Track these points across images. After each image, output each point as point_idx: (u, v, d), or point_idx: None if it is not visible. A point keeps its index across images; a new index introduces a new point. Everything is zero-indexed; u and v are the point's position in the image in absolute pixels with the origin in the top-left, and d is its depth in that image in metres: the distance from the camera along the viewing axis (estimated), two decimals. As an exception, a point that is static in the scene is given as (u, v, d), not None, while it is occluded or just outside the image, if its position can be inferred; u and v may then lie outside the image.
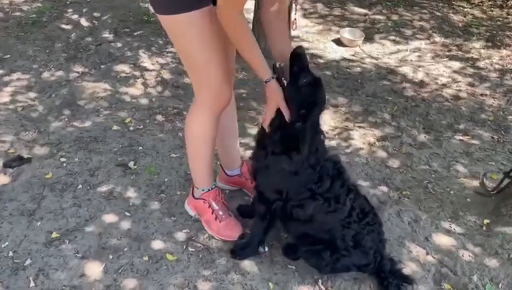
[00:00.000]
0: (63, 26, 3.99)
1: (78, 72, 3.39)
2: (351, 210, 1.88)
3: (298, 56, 1.77)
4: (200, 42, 1.76)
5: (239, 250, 2.07)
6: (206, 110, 1.94)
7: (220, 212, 2.15)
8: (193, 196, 2.22)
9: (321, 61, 3.86)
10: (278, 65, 1.80)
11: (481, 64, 4.03)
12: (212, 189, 2.18)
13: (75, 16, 4.13)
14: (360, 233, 1.88)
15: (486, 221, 2.34)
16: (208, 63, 1.81)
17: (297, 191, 1.86)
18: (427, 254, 2.16)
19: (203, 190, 2.17)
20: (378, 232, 1.95)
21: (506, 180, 2.38)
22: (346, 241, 1.88)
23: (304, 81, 1.74)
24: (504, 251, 2.20)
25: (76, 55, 3.60)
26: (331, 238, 1.89)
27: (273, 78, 1.77)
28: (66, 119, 2.89)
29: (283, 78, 1.79)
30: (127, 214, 2.25)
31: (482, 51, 4.26)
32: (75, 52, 3.65)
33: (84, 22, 4.08)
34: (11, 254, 2.01)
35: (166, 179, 2.49)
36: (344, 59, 3.95)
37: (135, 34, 3.99)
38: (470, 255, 2.17)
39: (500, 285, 2.05)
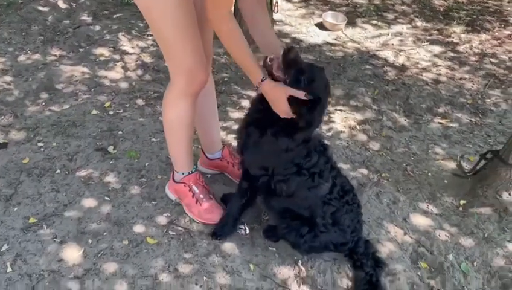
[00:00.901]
0: (40, 8, 3.88)
1: (55, 56, 3.32)
2: (332, 186, 1.91)
3: (293, 62, 1.74)
4: (172, 19, 1.72)
5: (218, 231, 2.08)
6: (181, 93, 1.92)
7: (201, 196, 2.15)
8: (173, 180, 2.21)
9: (303, 45, 3.85)
10: (269, 59, 1.76)
11: (461, 48, 4.08)
12: (192, 173, 2.17)
13: (52, -2, 4.03)
14: (339, 210, 1.91)
15: (462, 202, 2.39)
16: (181, 43, 1.78)
17: (285, 166, 1.88)
18: (405, 234, 2.20)
19: (183, 174, 2.16)
20: (356, 213, 1.97)
21: (482, 162, 2.43)
22: (326, 218, 1.90)
23: (305, 82, 1.73)
24: (479, 230, 2.25)
25: (54, 38, 3.52)
26: (312, 214, 1.92)
27: (263, 79, 1.73)
28: (43, 104, 2.83)
29: (275, 72, 1.77)
30: (107, 198, 2.23)
31: (462, 35, 4.30)
32: (52, 35, 3.56)
33: (61, 4, 3.97)
34: (-13, 239, 1.98)
35: (146, 164, 2.47)
36: (326, 43, 3.94)
37: (114, 16, 3.91)
38: (446, 235, 2.22)
39: (475, 263, 2.10)
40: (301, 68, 1.74)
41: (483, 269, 2.08)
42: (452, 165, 2.66)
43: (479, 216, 2.32)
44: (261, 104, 1.83)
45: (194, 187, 2.15)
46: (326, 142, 2.01)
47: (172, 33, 1.76)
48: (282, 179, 1.89)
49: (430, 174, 2.58)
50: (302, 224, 1.92)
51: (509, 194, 2.35)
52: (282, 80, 1.75)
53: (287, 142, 1.82)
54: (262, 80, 1.74)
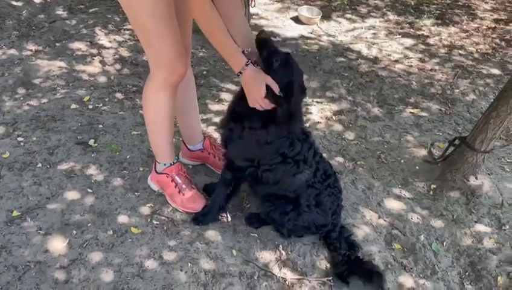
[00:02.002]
0: (13, 2, 3.82)
1: (31, 50, 3.29)
2: (316, 171, 2.01)
3: (264, 41, 1.82)
4: (151, 10, 1.75)
5: (200, 217, 2.15)
6: (161, 84, 1.96)
7: (183, 186, 2.20)
8: (156, 171, 2.26)
9: (280, 38, 3.92)
10: (245, 52, 1.82)
11: (431, 41, 4.23)
12: (174, 163, 2.22)
13: (25, -8, 3.97)
14: (322, 193, 2.01)
15: (433, 186, 2.52)
16: (161, 34, 1.81)
17: (270, 157, 1.95)
18: (379, 217, 2.31)
19: (165, 165, 2.21)
20: (337, 197, 2.07)
21: (451, 149, 2.56)
22: (310, 199, 2.01)
23: (277, 64, 1.79)
24: (448, 212, 2.39)
25: (29, 33, 3.48)
26: (296, 196, 2.01)
27: (247, 64, 1.78)
28: (21, 98, 2.82)
29: (255, 64, 1.82)
30: (90, 190, 2.26)
31: (432, 28, 4.46)
32: (27, 29, 3.52)
33: (35, -2, 3.93)
34: (-30, 233, 1.98)
35: (128, 156, 2.50)
36: (302, 37, 4.03)
37: (90, 11, 3.89)
38: (418, 218, 2.34)
39: (444, 243, 2.23)
40: (273, 49, 1.81)
41: (452, 248, 2.22)
42: (423, 152, 2.79)
43: (448, 199, 2.45)
44: (243, 98, 1.88)
45: (177, 177, 2.21)
46: (307, 129, 2.10)
47: (151, 24, 1.79)
48: (268, 169, 1.96)
49: (402, 161, 2.71)
50: (287, 203, 2.02)
51: (476, 178, 2.49)
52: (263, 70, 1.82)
53: (270, 135, 1.89)
54: (246, 65, 1.78)
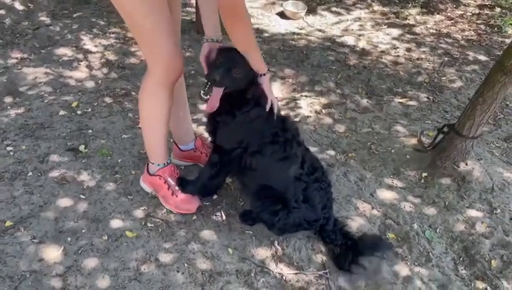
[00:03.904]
0: (-5, 11, 3.79)
1: (16, 58, 3.26)
2: (302, 162, 2.01)
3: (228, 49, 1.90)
4: (146, 8, 1.76)
5: (184, 183, 2.21)
6: (158, 83, 1.96)
7: (176, 188, 2.21)
8: (148, 172, 2.26)
9: (267, 35, 3.92)
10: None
11: (417, 30, 4.26)
12: (167, 165, 2.22)
13: (8, 0, 3.92)
14: (309, 187, 2.01)
15: (424, 174, 2.55)
16: (157, 31, 1.82)
17: (257, 136, 1.98)
18: (373, 208, 2.33)
19: (158, 165, 2.21)
20: (326, 191, 2.08)
21: (440, 136, 2.58)
22: (297, 194, 2.00)
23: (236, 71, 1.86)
24: (440, 199, 2.41)
25: (13, 41, 3.46)
26: (284, 189, 2.01)
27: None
28: (9, 107, 2.79)
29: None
30: (82, 196, 2.25)
31: (418, 17, 4.49)
32: (11, 37, 3.49)
33: (18, 5, 3.89)
34: (-37, 246, 1.97)
35: (119, 160, 2.49)
36: (289, 32, 4.03)
37: (74, 15, 3.86)
38: (410, 206, 2.37)
39: (437, 230, 2.26)
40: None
41: (445, 234, 2.24)
42: (413, 141, 2.81)
43: (439, 186, 2.48)
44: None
45: (170, 179, 2.21)
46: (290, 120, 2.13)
47: (147, 22, 1.80)
48: (256, 150, 1.98)
49: (393, 151, 2.73)
50: (275, 202, 2.02)
51: (466, 164, 2.52)
52: None
53: (253, 113, 1.94)
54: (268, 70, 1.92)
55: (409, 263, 2.08)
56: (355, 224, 2.22)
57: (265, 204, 2.03)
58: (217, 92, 1.88)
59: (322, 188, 2.05)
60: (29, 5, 3.93)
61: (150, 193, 2.29)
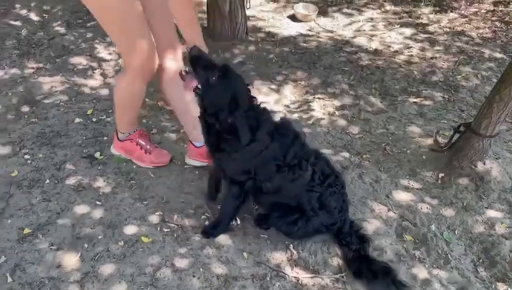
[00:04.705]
0: (12, 22, 3.86)
1: (33, 68, 3.32)
2: (313, 174, 1.99)
3: (197, 58, 1.83)
4: (129, 9, 1.94)
5: (210, 229, 2.15)
6: (136, 75, 2.14)
7: (148, 147, 2.48)
8: (118, 139, 2.49)
9: (278, 38, 3.92)
10: (182, 73, 1.93)
11: (431, 28, 4.20)
12: (136, 130, 2.49)
13: (23, 11, 4.01)
14: (323, 195, 2.00)
15: (440, 175, 2.51)
16: (136, 28, 1.99)
17: (264, 167, 1.96)
18: (389, 210, 2.30)
19: (129, 134, 2.47)
20: (341, 193, 2.06)
21: (457, 136, 2.54)
22: (313, 203, 1.99)
23: (214, 80, 1.80)
24: (458, 200, 2.37)
25: (29, 51, 3.52)
26: (299, 203, 2.01)
27: None
28: (26, 117, 2.84)
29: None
30: (98, 203, 2.28)
31: (431, 16, 4.43)
32: (27, 48, 3.56)
33: (34, 16, 3.97)
34: (-16, 254, 2.01)
35: (134, 166, 2.51)
36: (300, 34, 4.02)
37: (88, 25, 3.92)
38: (427, 208, 2.33)
39: (456, 231, 2.22)
40: (208, 64, 1.82)
41: (464, 235, 2.20)
42: (429, 141, 2.77)
43: (457, 187, 2.43)
44: (210, 129, 1.92)
45: (141, 141, 2.48)
46: (293, 127, 2.07)
47: (131, 23, 1.99)
48: (265, 179, 1.97)
49: (408, 151, 2.69)
50: (292, 212, 2.01)
51: (484, 163, 2.47)
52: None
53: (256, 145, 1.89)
54: None
55: (427, 266, 2.05)
56: (371, 226, 2.20)
57: (282, 215, 2.03)
58: (190, 81, 1.89)
59: (336, 192, 2.04)
60: (44, 15, 4.00)
61: (118, 155, 2.52)
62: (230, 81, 1.83)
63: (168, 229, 2.16)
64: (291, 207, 2.03)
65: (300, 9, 4.26)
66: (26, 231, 2.11)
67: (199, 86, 1.87)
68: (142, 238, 2.10)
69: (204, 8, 3.88)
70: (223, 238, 2.13)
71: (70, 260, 1.99)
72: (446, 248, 2.13)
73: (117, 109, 2.40)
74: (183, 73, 1.90)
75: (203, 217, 2.24)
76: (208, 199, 2.32)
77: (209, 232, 2.15)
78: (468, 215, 2.29)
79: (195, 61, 1.83)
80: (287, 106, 3.09)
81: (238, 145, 1.86)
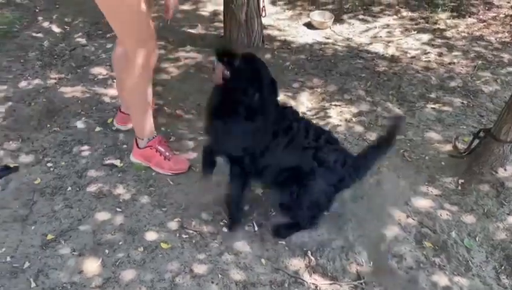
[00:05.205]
0: (35, 34, 3.98)
1: (55, 78, 3.41)
2: (306, 132, 2.02)
3: (223, 50, 1.99)
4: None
5: (228, 223, 2.21)
6: (142, 66, 2.24)
7: (167, 153, 2.54)
8: (138, 147, 2.55)
9: (294, 46, 3.94)
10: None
11: (448, 33, 4.17)
12: (155, 137, 2.55)
13: (46, 23, 4.13)
14: (319, 150, 1.99)
15: (460, 181, 2.48)
16: (142, 15, 2.11)
17: (260, 141, 2.02)
18: (408, 217, 2.29)
19: (148, 140, 2.53)
20: (339, 148, 2.08)
21: (476, 141, 2.51)
22: (309, 161, 1.98)
23: (239, 64, 1.94)
24: (479, 206, 2.34)
25: (51, 62, 3.62)
26: (297, 165, 2.01)
27: None
28: (48, 126, 2.92)
29: None
30: (119, 210, 2.32)
31: (448, 21, 4.39)
32: (49, 59, 3.66)
33: (55, 28, 4.08)
34: (9, 259, 2.06)
35: (153, 173, 2.55)
36: (316, 41, 4.03)
37: (108, 35, 4.01)
38: (447, 214, 2.30)
39: (477, 238, 2.18)
40: (232, 52, 1.96)
41: (485, 242, 2.17)
42: (448, 147, 2.74)
43: (477, 193, 2.40)
44: (218, 95, 2.03)
45: (160, 147, 2.54)
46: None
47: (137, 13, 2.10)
48: (263, 151, 2.02)
49: (427, 157, 2.67)
50: (294, 183, 2.03)
51: (505, 169, 2.44)
52: None
53: (251, 125, 1.98)
54: None
55: (447, 273, 2.02)
56: (390, 233, 2.18)
57: (285, 190, 2.05)
58: (219, 68, 1.95)
59: (334, 149, 2.04)
60: (66, 27, 4.11)
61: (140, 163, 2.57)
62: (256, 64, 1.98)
63: (187, 236, 2.18)
64: (291, 175, 2.03)
65: (316, 16, 4.28)
66: (49, 237, 2.16)
67: (226, 72, 1.95)
68: (162, 244, 2.13)
69: (221, 17, 3.93)
70: (240, 245, 2.14)
71: (92, 266, 2.03)
72: (467, 255, 2.10)
73: (136, 111, 2.48)
74: (212, 64, 2.02)
75: (221, 223, 2.26)
76: (204, 174, 2.34)
77: (228, 226, 2.21)
78: (489, 222, 2.25)
79: (221, 52, 1.96)
80: (304, 113, 3.10)
81: (246, 122, 1.97)
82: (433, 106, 3.15)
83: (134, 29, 2.15)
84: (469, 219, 2.28)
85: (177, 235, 2.18)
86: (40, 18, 4.22)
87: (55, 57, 3.69)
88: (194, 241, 2.15)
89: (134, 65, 2.23)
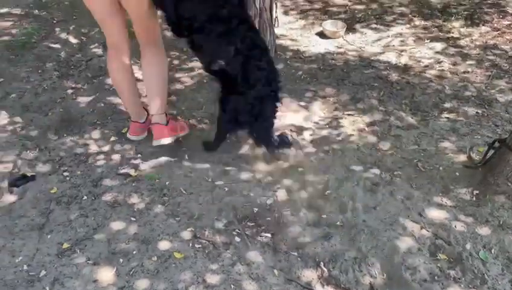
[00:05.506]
0: (52, 45, 4.07)
1: (71, 89, 3.48)
2: (243, 38, 2.22)
3: None
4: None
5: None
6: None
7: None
8: (166, 125, 2.71)
9: (306, 55, 3.96)
10: None
11: (462, 42, 4.14)
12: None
13: (63, 34, 4.22)
14: (248, 62, 2.26)
15: (475, 192, 2.45)
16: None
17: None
18: (422, 228, 2.27)
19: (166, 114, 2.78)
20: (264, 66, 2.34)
21: (491, 152, 2.48)
22: (236, 67, 2.24)
23: None
24: (494, 218, 2.31)
25: (68, 72, 3.69)
26: (227, 65, 2.26)
27: None
28: (65, 135, 2.97)
29: None
30: (133, 219, 2.35)
31: (462, 29, 4.37)
32: (66, 69, 3.73)
33: (72, 39, 4.16)
34: (25, 267, 2.10)
35: (167, 183, 2.58)
36: (328, 51, 4.05)
37: (123, 46, 4.07)
38: (462, 226, 2.28)
39: (492, 250, 2.16)
40: None
41: (501, 255, 2.14)
42: (462, 157, 2.72)
43: (492, 205, 2.37)
44: None
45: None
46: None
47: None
48: (199, 27, 2.25)
49: (441, 168, 2.65)
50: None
51: (521, 181, 2.40)
52: None
53: None
54: None
55: (462, 286, 2.00)
56: (404, 245, 2.17)
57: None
58: None
59: (262, 67, 2.30)
60: (82, 38, 4.19)
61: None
62: None
63: (200, 245, 2.20)
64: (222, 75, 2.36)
65: (328, 26, 4.30)
66: (65, 245, 2.19)
67: None
68: (175, 254, 2.15)
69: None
70: (253, 255, 2.15)
71: (106, 275, 2.05)
72: (482, 267, 2.08)
73: (164, 87, 2.71)
74: None
75: (233, 233, 2.27)
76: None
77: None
78: (504, 234, 2.22)
79: None
80: (316, 123, 3.11)
81: None
82: (447, 115, 3.13)
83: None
84: (484, 230, 2.25)
85: (190, 244, 2.20)
86: (57, 29, 4.31)
87: (72, 67, 3.77)
88: (206, 251, 2.17)
89: (161, 49, 2.66)
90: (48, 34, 4.24)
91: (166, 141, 2.67)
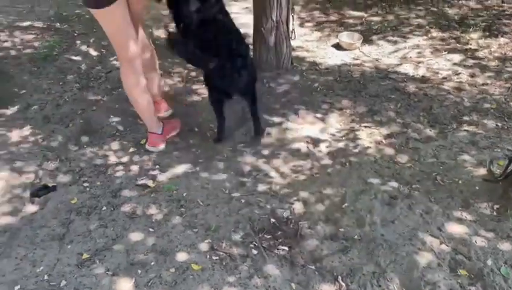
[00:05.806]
0: (73, 57, 4.16)
1: (91, 100, 3.55)
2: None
3: None
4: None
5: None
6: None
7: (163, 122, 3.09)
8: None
9: (323, 67, 3.97)
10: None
11: (480, 54, 4.11)
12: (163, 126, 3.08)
13: (83, 47, 4.31)
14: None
15: (496, 206, 2.41)
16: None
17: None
18: (441, 243, 2.24)
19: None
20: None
21: (512, 165, 2.45)
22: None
23: None
24: (516, 233, 2.27)
25: (89, 84, 3.77)
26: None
27: None
28: (85, 146, 3.03)
29: None
30: (151, 230, 2.37)
31: (480, 41, 4.33)
32: (86, 81, 3.81)
33: (92, 51, 4.25)
34: (46, 277, 2.13)
35: (184, 194, 2.60)
36: (345, 63, 4.05)
37: (142, 58, 4.15)
38: (482, 241, 2.24)
39: (514, 267, 2.11)
40: None
41: (524, 272, 2.09)
42: (482, 171, 2.68)
43: (514, 219, 2.33)
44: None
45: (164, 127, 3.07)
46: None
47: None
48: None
49: (460, 181, 2.62)
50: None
51: (543, 195, 2.36)
52: None
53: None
54: None
55: (484, 303, 1.96)
56: (423, 260, 2.14)
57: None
58: None
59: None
60: (102, 50, 4.28)
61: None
62: None
63: (217, 257, 2.20)
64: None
65: (344, 38, 4.31)
66: (85, 256, 2.22)
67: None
68: (192, 265, 2.16)
69: (251, 39, 4.00)
70: (270, 268, 2.15)
71: (125, 286, 2.07)
72: (504, 284, 2.03)
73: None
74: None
75: (250, 245, 2.27)
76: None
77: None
78: (527, 250, 2.18)
79: None
80: (333, 135, 3.11)
81: None
82: (466, 128, 3.10)
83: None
84: (505, 246, 2.21)
85: (208, 256, 2.21)
86: (78, 42, 4.41)
87: (92, 79, 3.85)
88: (224, 263, 2.17)
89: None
90: (69, 46, 4.34)
91: (158, 147, 2.99)
